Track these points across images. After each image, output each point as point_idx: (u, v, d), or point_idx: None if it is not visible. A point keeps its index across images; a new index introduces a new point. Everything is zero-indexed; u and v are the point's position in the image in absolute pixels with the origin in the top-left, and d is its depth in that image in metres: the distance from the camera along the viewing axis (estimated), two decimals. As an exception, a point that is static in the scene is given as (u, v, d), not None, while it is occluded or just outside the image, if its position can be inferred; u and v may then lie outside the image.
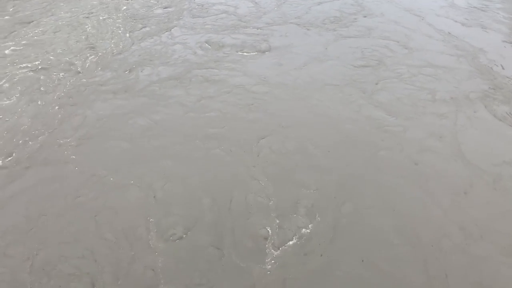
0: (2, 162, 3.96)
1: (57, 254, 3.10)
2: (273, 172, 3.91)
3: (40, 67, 5.60)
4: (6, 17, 7.12)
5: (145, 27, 7.05)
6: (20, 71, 5.50)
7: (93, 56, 5.97)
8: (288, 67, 5.87)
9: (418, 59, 6.17)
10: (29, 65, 5.62)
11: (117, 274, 2.99)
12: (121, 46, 6.32)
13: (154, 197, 3.63)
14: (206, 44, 6.48)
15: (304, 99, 5.10)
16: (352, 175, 3.91)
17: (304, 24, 7.40)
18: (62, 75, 5.44)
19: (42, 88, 5.12)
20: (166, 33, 6.84)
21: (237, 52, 6.28)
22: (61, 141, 4.26)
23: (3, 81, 5.26)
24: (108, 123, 4.56)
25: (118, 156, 4.10)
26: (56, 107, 4.80)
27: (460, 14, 8.08)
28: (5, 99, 4.92)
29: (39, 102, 4.86)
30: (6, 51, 6.00)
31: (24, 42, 6.31)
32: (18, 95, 4.99)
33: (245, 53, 6.23)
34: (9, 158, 4.01)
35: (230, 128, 4.52)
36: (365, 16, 7.88)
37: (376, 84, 5.48)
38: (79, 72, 5.54)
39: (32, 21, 7.00)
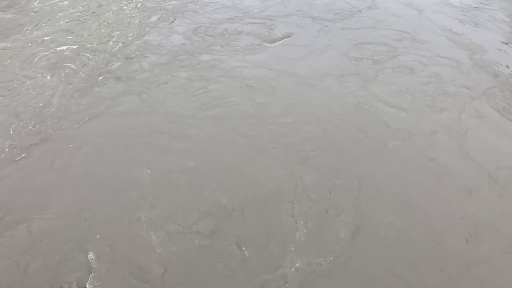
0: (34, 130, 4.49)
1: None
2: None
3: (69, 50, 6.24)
4: (32, 13, 7.70)
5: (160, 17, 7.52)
6: (52, 52, 6.13)
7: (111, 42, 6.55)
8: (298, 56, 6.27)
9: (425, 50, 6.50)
10: (61, 48, 6.26)
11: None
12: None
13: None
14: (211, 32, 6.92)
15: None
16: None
17: (312, 16, 7.76)
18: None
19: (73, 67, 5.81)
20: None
21: (242, 41, 6.70)
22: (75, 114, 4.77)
23: (41, 59, 5.88)
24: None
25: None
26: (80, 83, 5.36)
27: (459, 12, 8.30)
28: (39, 75, 5.48)
29: (64, 76, 5.40)
30: (41, 37, 6.60)
31: (52, 28, 6.99)
32: (51, 74, 5.58)
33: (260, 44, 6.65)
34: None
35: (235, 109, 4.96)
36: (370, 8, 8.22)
37: (376, 76, 5.80)
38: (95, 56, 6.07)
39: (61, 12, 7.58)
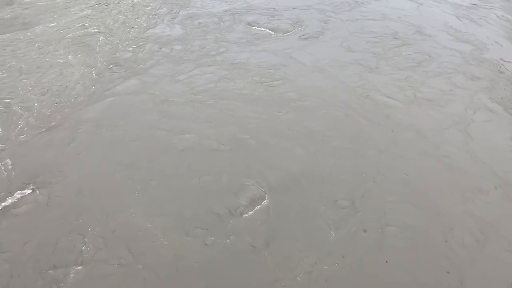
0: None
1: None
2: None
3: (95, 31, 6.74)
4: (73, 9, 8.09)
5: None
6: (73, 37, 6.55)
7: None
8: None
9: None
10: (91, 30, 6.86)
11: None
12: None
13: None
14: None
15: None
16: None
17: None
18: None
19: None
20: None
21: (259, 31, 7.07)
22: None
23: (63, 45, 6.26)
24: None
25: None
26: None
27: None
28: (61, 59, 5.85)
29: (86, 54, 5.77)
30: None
31: (85, 13, 7.52)
32: (72, 56, 5.96)
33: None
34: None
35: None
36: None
37: (377, 68, 6.14)
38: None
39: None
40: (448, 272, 3.15)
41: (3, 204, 3.61)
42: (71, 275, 3.05)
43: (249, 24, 7.38)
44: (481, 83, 5.69)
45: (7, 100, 5.02)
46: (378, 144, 4.45)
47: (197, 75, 5.69)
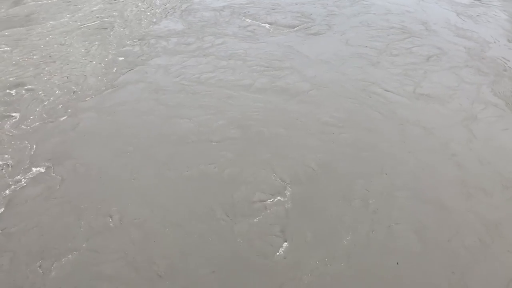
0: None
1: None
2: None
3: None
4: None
5: None
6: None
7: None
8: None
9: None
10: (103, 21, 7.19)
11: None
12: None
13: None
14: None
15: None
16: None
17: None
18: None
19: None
20: None
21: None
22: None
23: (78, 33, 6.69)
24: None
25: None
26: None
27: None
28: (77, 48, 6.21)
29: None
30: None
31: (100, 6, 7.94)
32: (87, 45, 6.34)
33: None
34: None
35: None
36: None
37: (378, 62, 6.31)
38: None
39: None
40: (453, 273, 3.19)
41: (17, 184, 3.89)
42: (64, 261, 3.19)
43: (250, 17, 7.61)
44: (488, 78, 5.76)
45: (31, 86, 5.45)
46: (388, 138, 4.58)
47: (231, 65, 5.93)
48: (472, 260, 3.29)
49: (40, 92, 5.29)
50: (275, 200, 3.75)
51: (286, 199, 3.76)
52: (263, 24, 7.37)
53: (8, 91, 5.32)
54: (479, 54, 6.44)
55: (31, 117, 4.82)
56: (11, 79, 5.59)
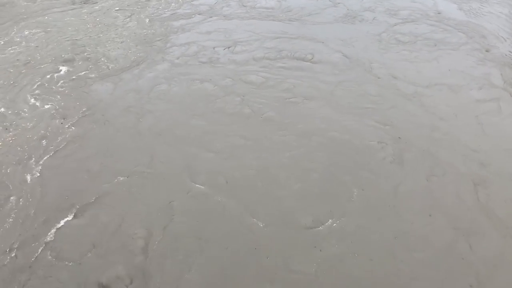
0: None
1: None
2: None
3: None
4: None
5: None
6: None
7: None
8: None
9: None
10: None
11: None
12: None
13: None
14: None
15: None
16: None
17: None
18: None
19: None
20: None
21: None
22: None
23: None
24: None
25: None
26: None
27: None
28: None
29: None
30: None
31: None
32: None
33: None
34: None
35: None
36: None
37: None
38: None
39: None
40: (470, 286, 3.29)
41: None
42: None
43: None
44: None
45: (94, 48, 6.96)
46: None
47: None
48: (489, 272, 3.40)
49: (102, 54, 6.84)
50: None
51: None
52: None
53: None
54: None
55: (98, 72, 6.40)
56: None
